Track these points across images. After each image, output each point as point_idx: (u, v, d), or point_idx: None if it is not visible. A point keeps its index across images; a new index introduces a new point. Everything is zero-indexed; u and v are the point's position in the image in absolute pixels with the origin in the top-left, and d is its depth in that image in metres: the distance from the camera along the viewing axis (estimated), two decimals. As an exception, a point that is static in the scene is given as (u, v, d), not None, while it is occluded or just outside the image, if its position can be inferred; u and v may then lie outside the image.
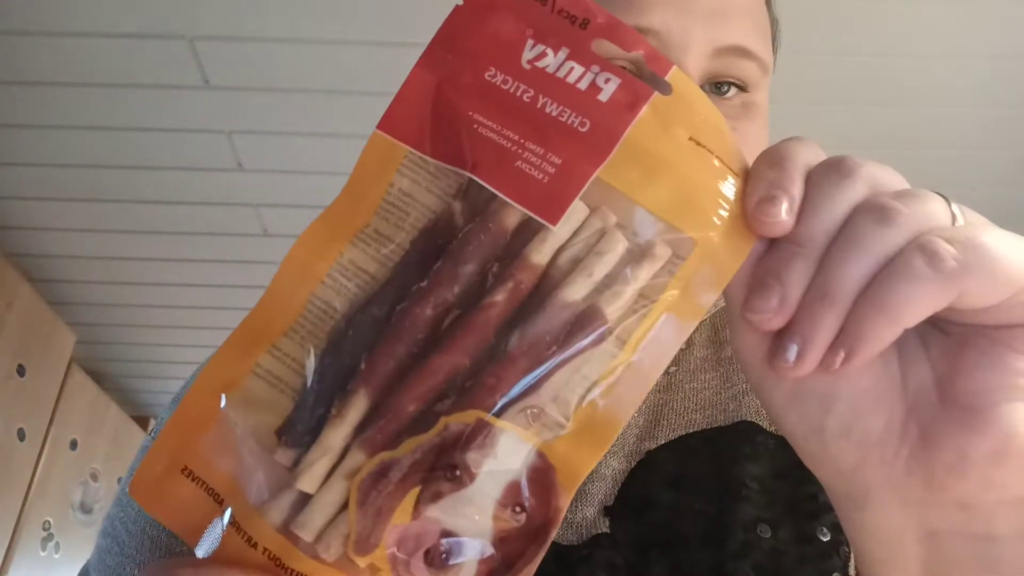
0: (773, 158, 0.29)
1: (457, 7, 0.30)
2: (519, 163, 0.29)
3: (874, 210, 0.27)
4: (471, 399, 0.28)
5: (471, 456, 0.28)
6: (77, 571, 0.53)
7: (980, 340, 0.27)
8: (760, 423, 0.48)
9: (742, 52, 0.46)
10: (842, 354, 0.26)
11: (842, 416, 0.28)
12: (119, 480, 2.26)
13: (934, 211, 0.27)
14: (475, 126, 0.29)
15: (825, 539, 0.44)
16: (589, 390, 0.28)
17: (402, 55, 1.39)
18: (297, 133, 1.62)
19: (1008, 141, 1.61)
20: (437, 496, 0.28)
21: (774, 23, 0.53)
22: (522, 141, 0.29)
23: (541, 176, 0.28)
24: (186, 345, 2.49)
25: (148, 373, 2.69)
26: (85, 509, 2.35)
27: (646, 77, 0.30)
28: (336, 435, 0.29)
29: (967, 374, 0.27)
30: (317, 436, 0.29)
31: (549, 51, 0.30)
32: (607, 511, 0.45)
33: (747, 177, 0.29)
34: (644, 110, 0.29)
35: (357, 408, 0.29)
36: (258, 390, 0.30)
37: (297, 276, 0.30)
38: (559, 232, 0.28)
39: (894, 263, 0.26)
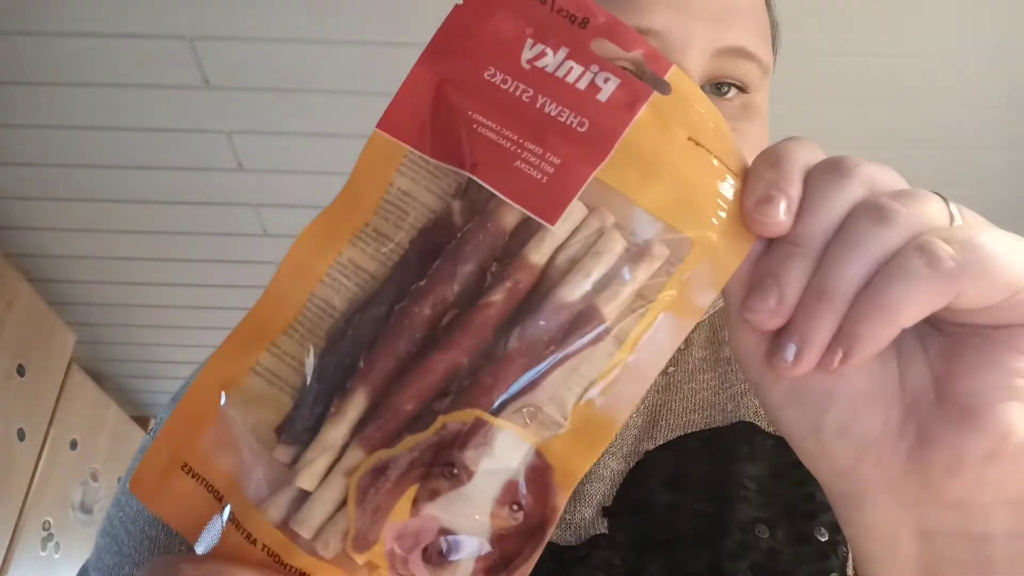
0: (771, 158, 0.29)
1: (457, 7, 0.31)
2: (518, 163, 0.29)
3: (872, 210, 0.27)
4: (469, 398, 0.28)
5: (469, 455, 0.28)
6: (77, 571, 0.53)
7: (977, 340, 0.27)
8: (758, 423, 0.48)
9: (742, 53, 0.46)
10: (840, 353, 0.27)
11: (840, 416, 0.28)
12: (119, 480, 2.26)
13: (932, 211, 0.27)
14: (474, 126, 0.29)
15: (823, 539, 0.44)
16: (587, 389, 0.28)
17: (402, 55, 1.39)
18: (297, 133, 1.62)
19: (1008, 141, 1.61)
20: (435, 494, 0.28)
21: (774, 25, 0.53)
22: (521, 141, 0.29)
23: (540, 176, 0.28)
24: (186, 345, 2.49)
25: (148, 373, 2.69)
26: (85, 509, 2.35)
27: (647, 77, 0.30)
28: (335, 433, 0.29)
29: (964, 374, 0.27)
30: (316, 434, 0.29)
31: (548, 51, 0.30)
32: (605, 512, 0.45)
33: (746, 177, 0.29)
34: (643, 110, 0.29)
35: (356, 406, 0.29)
36: (258, 388, 0.30)
37: (297, 275, 0.30)
38: (557, 232, 0.29)
39: (892, 263, 0.26)
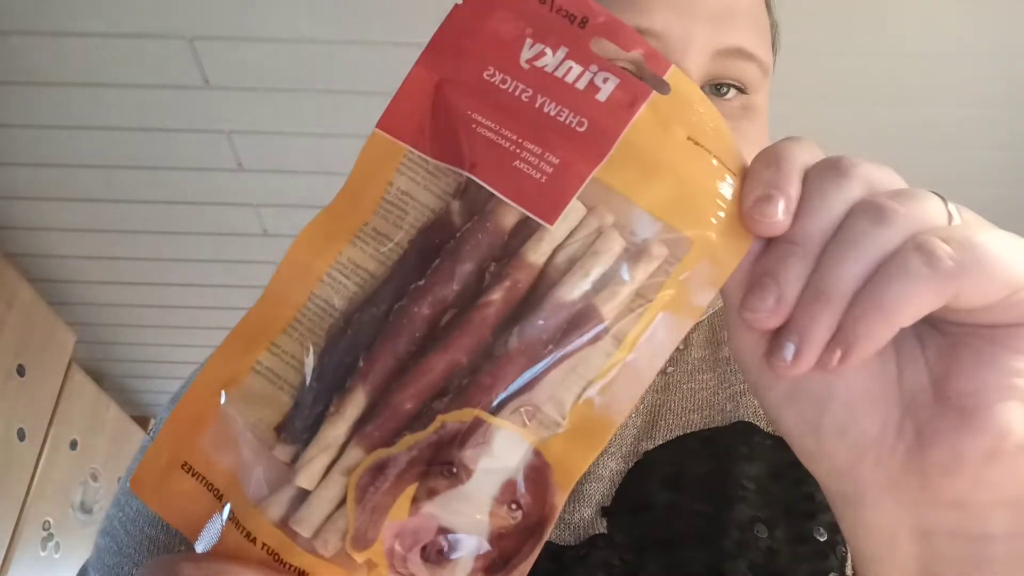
0: (770, 158, 0.29)
1: (456, 7, 0.31)
2: (517, 163, 0.29)
3: (870, 209, 0.27)
4: (468, 397, 0.28)
5: (468, 454, 0.28)
6: (77, 571, 0.53)
7: (976, 340, 0.27)
8: (757, 423, 0.48)
9: (742, 54, 0.46)
10: (839, 353, 0.27)
11: (838, 415, 0.28)
12: (119, 480, 2.26)
13: (931, 210, 0.27)
14: (474, 126, 0.29)
15: (822, 539, 0.44)
16: (585, 389, 0.28)
17: (402, 55, 1.39)
18: (297, 133, 1.62)
19: (1008, 141, 1.61)
20: (434, 493, 0.28)
21: (774, 26, 0.53)
22: (520, 141, 0.29)
23: (539, 176, 0.29)
24: (186, 345, 2.49)
25: (148, 373, 2.69)
26: (85, 509, 2.35)
27: (647, 77, 0.30)
28: (334, 432, 0.29)
29: (962, 374, 0.27)
30: (316, 433, 0.29)
31: (548, 50, 0.30)
32: (604, 511, 0.45)
33: (744, 177, 0.29)
34: (642, 110, 0.29)
35: (355, 405, 0.29)
36: (258, 387, 0.30)
37: (297, 274, 0.30)
38: (556, 232, 0.29)
39: (890, 262, 0.26)
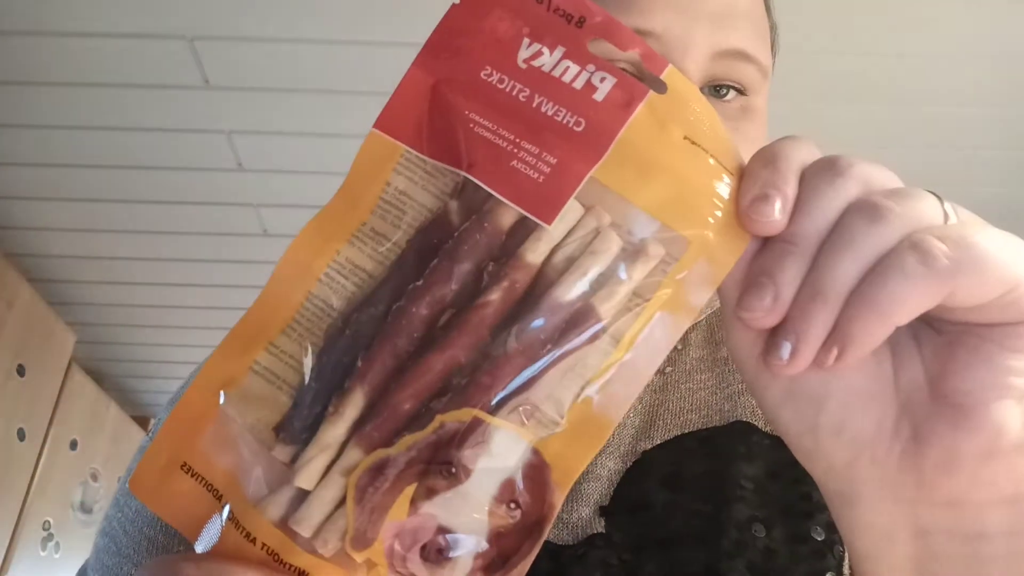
0: (767, 157, 0.29)
1: (453, 6, 0.31)
2: (514, 163, 0.29)
3: (866, 208, 0.27)
4: (467, 397, 0.28)
5: (466, 453, 0.28)
6: (76, 571, 0.53)
7: (971, 339, 0.27)
8: (755, 423, 0.48)
9: (742, 56, 0.46)
10: (835, 351, 0.27)
11: (835, 414, 0.28)
12: (119, 480, 2.27)
13: (926, 209, 0.27)
14: (471, 125, 0.29)
15: (819, 538, 0.44)
16: (583, 388, 0.28)
17: (402, 55, 1.39)
18: (297, 133, 1.62)
19: (1008, 141, 1.61)
20: (433, 492, 0.28)
21: (773, 27, 0.53)
22: (518, 140, 0.29)
23: (536, 176, 0.29)
24: (186, 345, 2.49)
25: (148, 373, 2.69)
26: (85, 509, 2.35)
27: (646, 78, 0.30)
28: (333, 432, 0.29)
29: (958, 372, 0.27)
30: (315, 433, 0.29)
31: (545, 50, 0.30)
32: (602, 511, 0.45)
33: (741, 176, 0.29)
34: (639, 109, 0.29)
35: (354, 405, 0.29)
36: (257, 387, 0.30)
37: (295, 274, 0.30)
38: (554, 231, 0.29)
39: (886, 261, 0.26)
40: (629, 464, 0.47)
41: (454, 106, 0.30)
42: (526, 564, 0.28)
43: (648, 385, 0.50)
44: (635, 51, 0.29)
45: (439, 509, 0.28)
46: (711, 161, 0.29)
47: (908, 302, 0.25)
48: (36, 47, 1.43)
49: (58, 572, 2.20)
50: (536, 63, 0.30)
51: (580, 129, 0.29)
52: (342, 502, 0.28)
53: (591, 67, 0.29)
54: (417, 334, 0.29)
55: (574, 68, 0.29)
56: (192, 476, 0.30)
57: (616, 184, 0.29)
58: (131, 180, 1.76)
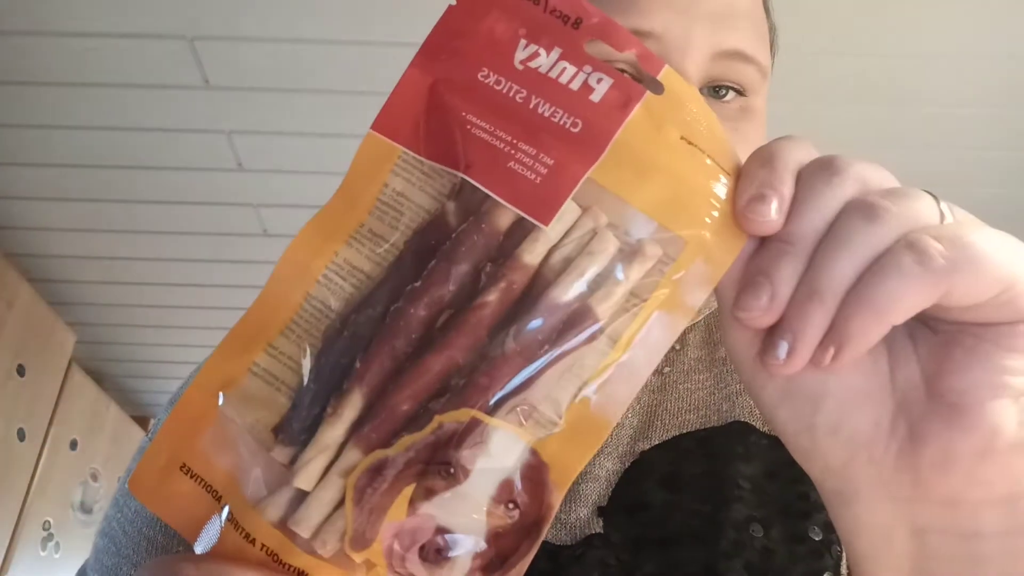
0: (764, 157, 0.29)
1: (450, 7, 0.31)
2: (512, 164, 0.29)
3: (863, 208, 0.27)
4: (465, 398, 0.28)
5: (465, 454, 0.28)
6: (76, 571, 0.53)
7: (967, 338, 0.27)
8: (753, 423, 0.48)
9: (742, 57, 0.46)
10: (832, 350, 0.27)
11: (832, 413, 0.28)
12: (119, 480, 2.26)
13: (922, 209, 0.27)
14: (468, 127, 0.29)
15: (817, 538, 0.44)
16: (581, 388, 0.29)
17: (402, 55, 1.38)
18: (297, 133, 1.62)
19: (1008, 141, 1.61)
20: (432, 493, 0.28)
21: (772, 28, 0.53)
22: (515, 142, 0.29)
23: (533, 177, 0.29)
24: (186, 345, 2.49)
25: (148, 373, 2.69)
26: (85, 509, 2.35)
27: (645, 78, 0.30)
28: (332, 433, 0.29)
29: (954, 372, 0.27)
30: (313, 434, 0.29)
31: (542, 51, 0.30)
32: (601, 511, 0.46)
33: (738, 176, 0.29)
34: (636, 110, 0.29)
35: (353, 406, 0.29)
36: (255, 388, 0.30)
37: (293, 275, 0.30)
38: (551, 232, 0.29)
39: (882, 260, 0.26)
40: (627, 464, 0.47)
41: (451, 107, 0.30)
42: (524, 564, 0.28)
43: (646, 385, 0.50)
44: (632, 52, 0.30)
45: (438, 509, 0.28)
46: (708, 161, 0.29)
47: (904, 301, 0.26)
48: (36, 47, 1.43)
49: (58, 572, 2.20)
50: (533, 64, 0.30)
51: (577, 130, 0.29)
52: (341, 503, 0.28)
53: (588, 68, 0.29)
54: (415, 335, 0.29)
55: (571, 69, 0.29)
56: (191, 477, 0.30)
57: (613, 185, 0.29)
58: (131, 180, 1.76)
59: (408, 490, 0.28)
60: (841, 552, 0.44)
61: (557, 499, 0.28)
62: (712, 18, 0.46)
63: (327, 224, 0.30)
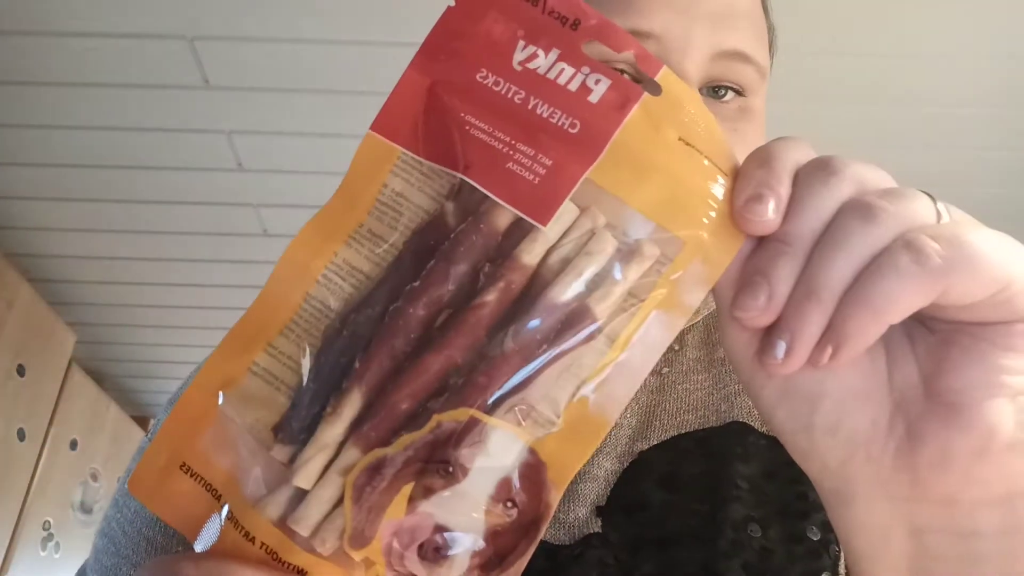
0: (761, 157, 0.29)
1: (449, 8, 0.31)
2: (510, 164, 0.29)
3: (860, 208, 0.27)
4: (463, 397, 0.28)
5: (463, 453, 0.28)
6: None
7: (964, 338, 0.27)
8: (752, 424, 0.48)
9: (741, 57, 0.47)
10: (829, 350, 0.27)
11: (830, 413, 0.29)
12: (119, 480, 2.26)
13: (919, 209, 0.27)
14: (467, 127, 0.29)
15: (815, 538, 0.44)
16: (579, 388, 0.29)
17: (402, 55, 1.38)
18: (297, 133, 1.62)
19: (1008, 141, 1.61)
20: (430, 491, 0.28)
21: (771, 29, 0.53)
22: (513, 142, 0.29)
23: (532, 177, 0.29)
24: (186, 345, 2.49)
25: (148, 373, 2.69)
26: (85, 509, 2.36)
27: (644, 79, 0.30)
28: (331, 432, 0.29)
29: (951, 371, 0.27)
30: (313, 433, 0.29)
31: (540, 52, 0.30)
32: (599, 511, 0.46)
33: (736, 176, 0.29)
34: (634, 111, 0.29)
35: (352, 406, 0.29)
36: (255, 388, 0.30)
37: (293, 275, 0.31)
38: (549, 233, 0.29)
39: (880, 260, 0.26)
40: (626, 464, 0.47)
41: (450, 108, 0.30)
42: (522, 562, 0.28)
43: (645, 386, 0.50)
44: (630, 53, 0.30)
45: (436, 508, 0.28)
46: (705, 162, 0.29)
47: (902, 300, 0.26)
48: (36, 47, 1.44)
49: (58, 572, 2.20)
50: (531, 65, 0.30)
51: (575, 131, 0.29)
52: (340, 501, 0.29)
53: (586, 69, 0.30)
54: (414, 335, 0.29)
55: (569, 70, 0.30)
56: (191, 476, 0.31)
57: (611, 185, 0.29)
58: (131, 180, 1.76)
59: (407, 488, 0.28)
60: (839, 552, 0.44)
61: (555, 498, 0.28)
62: (712, 18, 0.46)
63: (326, 224, 0.31)
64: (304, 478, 0.29)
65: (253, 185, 1.77)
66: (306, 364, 0.30)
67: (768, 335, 0.28)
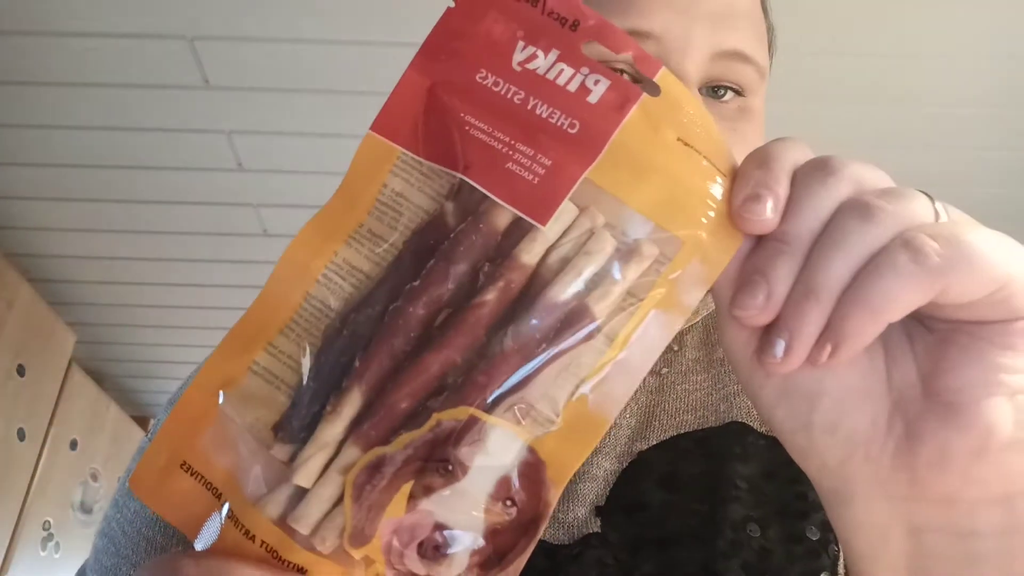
0: (760, 158, 0.29)
1: (449, 9, 0.31)
2: (510, 164, 0.29)
3: (858, 208, 0.27)
4: (463, 396, 0.28)
5: (463, 451, 0.28)
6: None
7: (962, 336, 0.27)
8: (751, 424, 0.49)
9: (741, 57, 0.47)
10: (828, 348, 0.27)
11: (828, 412, 0.29)
12: (119, 480, 2.26)
13: (917, 208, 0.27)
14: (467, 128, 0.30)
15: (814, 538, 0.44)
16: (578, 386, 0.29)
17: (402, 55, 1.39)
18: (297, 133, 1.62)
19: (1008, 141, 1.61)
20: (430, 490, 0.28)
21: (770, 29, 0.53)
22: (513, 142, 0.29)
23: (531, 177, 0.29)
24: (186, 345, 2.49)
25: (148, 373, 2.69)
26: (85, 509, 2.36)
27: (643, 80, 0.30)
28: (331, 431, 0.29)
29: (949, 370, 0.27)
30: (313, 432, 0.29)
31: (539, 53, 0.30)
32: (598, 511, 0.46)
33: (734, 176, 0.29)
34: (633, 111, 0.29)
35: (352, 405, 0.29)
36: (255, 387, 0.30)
37: (293, 275, 0.31)
38: (549, 232, 0.29)
39: (878, 259, 0.26)
40: (625, 464, 0.47)
41: (450, 108, 0.30)
42: (522, 561, 0.28)
43: (644, 386, 0.50)
44: (628, 53, 0.30)
45: (436, 506, 0.28)
46: (704, 162, 0.29)
47: (900, 299, 0.26)
48: (36, 47, 1.44)
49: (58, 572, 2.20)
50: (531, 66, 0.30)
51: (574, 131, 0.29)
52: (340, 500, 0.29)
53: (585, 70, 0.30)
54: (414, 334, 0.29)
55: (568, 71, 0.30)
56: (192, 475, 0.31)
57: (610, 185, 0.29)
58: (131, 180, 1.76)
59: (407, 487, 0.28)
60: (838, 552, 0.44)
61: (554, 496, 0.29)
62: (711, 18, 0.46)
63: (326, 224, 0.31)
64: (304, 477, 0.29)
65: (253, 185, 1.77)
66: (306, 363, 0.30)
67: (767, 334, 0.28)
